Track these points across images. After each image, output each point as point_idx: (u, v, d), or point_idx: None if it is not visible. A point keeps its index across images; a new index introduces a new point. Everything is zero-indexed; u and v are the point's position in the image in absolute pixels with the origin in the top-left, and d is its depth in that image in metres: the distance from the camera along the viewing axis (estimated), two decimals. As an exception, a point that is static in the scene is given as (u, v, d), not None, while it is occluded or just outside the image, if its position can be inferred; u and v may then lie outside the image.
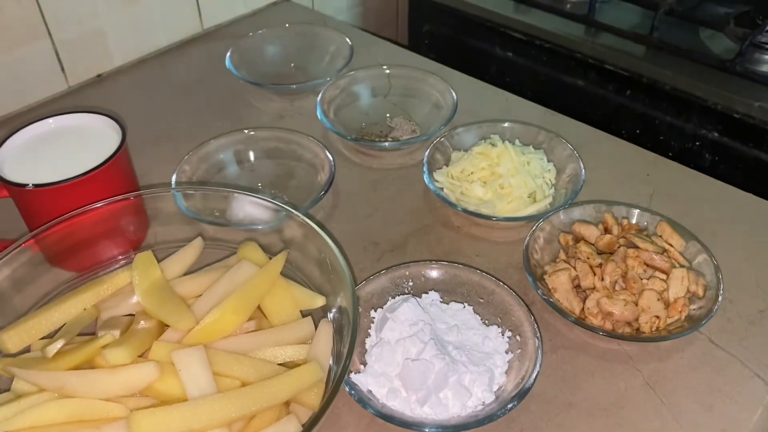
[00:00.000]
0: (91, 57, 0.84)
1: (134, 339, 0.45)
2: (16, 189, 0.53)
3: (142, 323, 0.47)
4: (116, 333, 0.46)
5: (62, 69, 0.81)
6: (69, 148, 0.58)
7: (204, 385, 0.42)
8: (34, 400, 0.43)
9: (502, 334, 0.52)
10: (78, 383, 0.42)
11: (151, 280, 0.49)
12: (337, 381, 0.42)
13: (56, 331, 0.49)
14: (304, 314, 0.51)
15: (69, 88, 0.83)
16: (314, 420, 0.40)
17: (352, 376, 0.49)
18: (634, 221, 0.60)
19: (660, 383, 0.51)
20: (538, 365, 0.48)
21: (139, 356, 0.45)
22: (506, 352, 0.51)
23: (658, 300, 0.52)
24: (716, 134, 0.81)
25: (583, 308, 0.54)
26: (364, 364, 0.50)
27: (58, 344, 0.45)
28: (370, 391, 0.48)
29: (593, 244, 0.57)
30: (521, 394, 0.47)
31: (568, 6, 0.96)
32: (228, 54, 0.81)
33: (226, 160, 0.69)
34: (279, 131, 0.70)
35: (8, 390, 0.45)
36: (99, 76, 0.85)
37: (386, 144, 0.72)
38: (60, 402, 0.42)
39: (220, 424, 0.41)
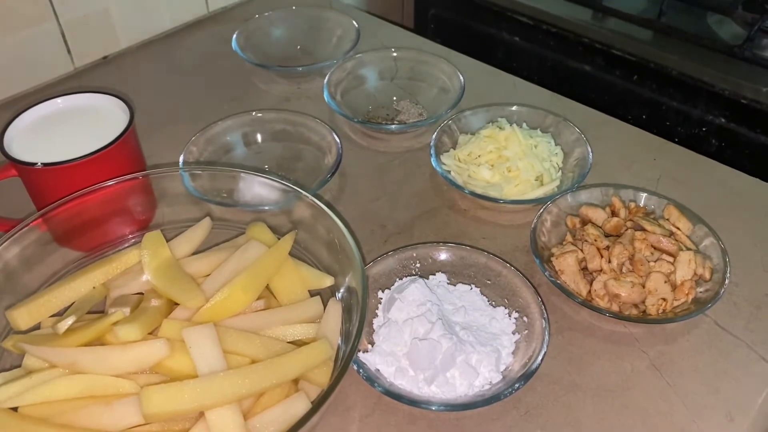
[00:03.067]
0: (97, 39, 0.83)
1: (145, 316, 0.45)
2: (24, 168, 0.54)
3: (153, 301, 0.47)
4: (126, 310, 0.46)
5: (68, 50, 0.81)
6: (77, 127, 0.58)
7: (214, 362, 0.42)
8: (45, 376, 0.43)
9: (509, 316, 0.53)
10: (89, 359, 0.43)
11: (160, 259, 0.49)
12: (346, 359, 0.42)
13: (66, 309, 0.49)
14: (312, 294, 0.51)
15: (75, 69, 0.83)
16: (324, 397, 0.40)
17: (360, 354, 0.49)
18: (641, 204, 0.60)
19: (666, 365, 0.51)
20: (545, 346, 0.48)
21: (149, 334, 0.45)
22: (513, 333, 0.51)
23: (665, 282, 0.52)
24: (723, 120, 0.81)
25: (590, 290, 0.54)
26: (372, 343, 0.51)
27: (69, 321, 0.45)
28: (378, 370, 0.49)
29: (600, 227, 0.57)
30: (528, 375, 0.47)
31: (576, -10, 0.96)
32: (234, 36, 0.81)
33: (233, 141, 0.69)
34: (286, 113, 0.70)
35: (19, 366, 0.46)
36: (105, 58, 0.85)
37: (393, 127, 0.72)
38: (71, 378, 0.42)
39: (230, 401, 0.41)
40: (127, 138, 0.56)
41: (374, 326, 0.52)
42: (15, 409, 0.42)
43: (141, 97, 0.75)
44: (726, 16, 0.88)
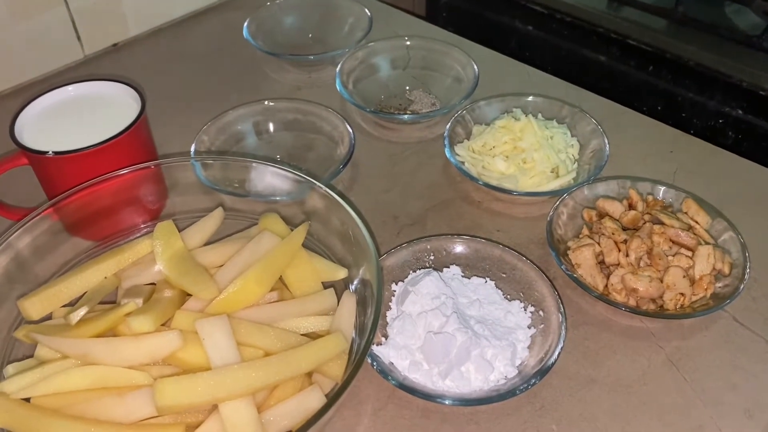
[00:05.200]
0: (107, 26, 0.83)
1: (158, 307, 0.45)
2: (35, 156, 0.53)
3: (166, 292, 0.47)
4: (139, 301, 0.46)
5: (78, 38, 0.80)
6: (88, 115, 0.57)
7: (228, 354, 0.42)
8: (58, 366, 0.43)
9: (525, 309, 0.52)
10: (101, 350, 0.42)
11: (173, 250, 0.49)
12: (362, 352, 0.41)
13: (77, 299, 0.49)
14: (325, 286, 0.51)
15: (85, 57, 0.82)
16: (339, 391, 0.40)
17: (374, 347, 0.49)
18: (659, 197, 0.59)
19: (683, 361, 0.50)
20: (561, 341, 0.48)
21: (162, 325, 0.45)
22: (529, 327, 0.51)
23: (684, 277, 0.51)
24: (740, 111, 0.80)
25: (606, 284, 0.53)
26: (386, 336, 0.50)
27: (82, 311, 0.44)
28: (392, 363, 0.48)
29: (618, 220, 0.57)
30: (544, 371, 0.46)
31: (591, -21, 0.94)
32: (245, 24, 0.80)
33: (244, 131, 0.68)
34: (298, 103, 0.69)
35: (31, 356, 0.46)
36: (115, 45, 0.85)
37: (406, 117, 0.71)
38: (84, 369, 0.42)
39: (243, 393, 0.41)
40: (138, 126, 0.55)
41: (388, 319, 0.52)
42: (27, 399, 0.42)
43: (150, 85, 0.75)
44: (744, 6, 0.86)
